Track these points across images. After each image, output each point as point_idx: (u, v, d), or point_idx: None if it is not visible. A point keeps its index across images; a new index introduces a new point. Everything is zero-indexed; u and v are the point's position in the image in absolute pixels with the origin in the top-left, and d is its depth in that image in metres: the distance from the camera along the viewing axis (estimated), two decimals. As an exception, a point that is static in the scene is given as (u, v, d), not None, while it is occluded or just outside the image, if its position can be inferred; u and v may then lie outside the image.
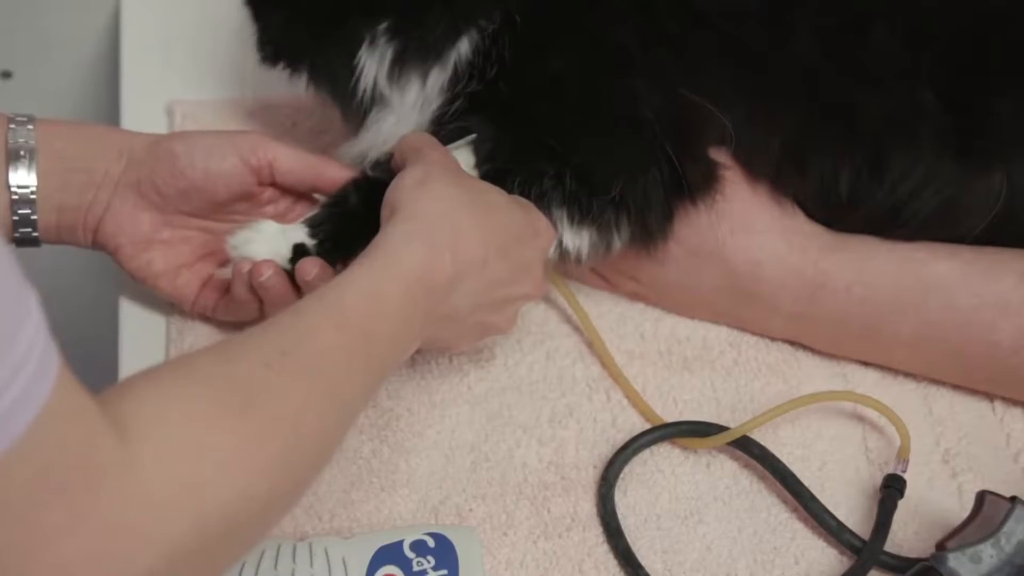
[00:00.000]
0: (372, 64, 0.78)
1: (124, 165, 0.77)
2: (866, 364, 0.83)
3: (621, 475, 0.77)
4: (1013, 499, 0.69)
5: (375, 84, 0.79)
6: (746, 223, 0.80)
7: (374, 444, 0.78)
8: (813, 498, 0.75)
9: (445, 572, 0.71)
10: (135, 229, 0.78)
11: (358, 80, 0.79)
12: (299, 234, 0.76)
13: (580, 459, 0.78)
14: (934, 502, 0.77)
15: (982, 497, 0.71)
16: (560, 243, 0.77)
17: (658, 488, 0.77)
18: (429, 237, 0.68)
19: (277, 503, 0.58)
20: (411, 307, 0.66)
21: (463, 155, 0.78)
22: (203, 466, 0.53)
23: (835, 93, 0.78)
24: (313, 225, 0.76)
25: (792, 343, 0.84)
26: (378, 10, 0.77)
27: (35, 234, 0.77)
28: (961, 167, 0.77)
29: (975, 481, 0.78)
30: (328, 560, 0.71)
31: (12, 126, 0.75)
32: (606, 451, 0.78)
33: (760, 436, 0.79)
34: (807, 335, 0.83)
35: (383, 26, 0.77)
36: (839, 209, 0.79)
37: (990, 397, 0.82)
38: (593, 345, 0.83)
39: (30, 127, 0.75)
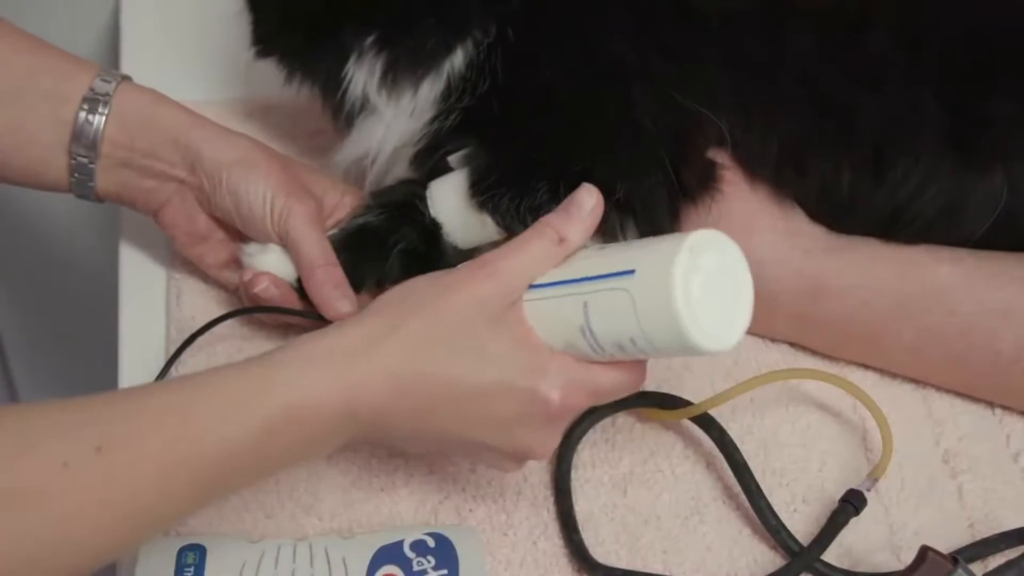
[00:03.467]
0: (360, 77, 0.78)
1: (188, 170, 0.78)
2: (866, 365, 0.83)
3: (623, 473, 0.77)
4: (955, 560, 0.66)
5: (363, 94, 0.79)
6: (747, 224, 0.80)
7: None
8: (759, 493, 0.75)
9: (445, 572, 0.71)
10: (191, 226, 0.81)
11: (345, 91, 0.79)
12: None
13: (580, 459, 0.78)
14: (934, 502, 0.77)
15: (924, 554, 0.68)
16: None
17: (658, 488, 0.77)
18: (340, 372, 0.62)
19: None
20: (287, 425, 0.60)
21: (458, 178, 0.78)
22: None
23: (834, 94, 0.77)
24: None
25: (792, 344, 0.84)
26: (366, 22, 0.78)
27: (92, 197, 0.80)
28: (962, 168, 0.77)
29: (975, 481, 0.78)
30: (328, 560, 0.71)
31: (91, 91, 0.77)
32: (606, 449, 0.79)
33: (760, 436, 0.79)
34: (808, 337, 0.83)
35: (370, 40, 0.78)
36: (840, 210, 0.79)
37: (990, 398, 0.83)
38: None
39: (107, 99, 0.76)
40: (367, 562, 0.71)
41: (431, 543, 0.72)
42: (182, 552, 0.71)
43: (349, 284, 0.77)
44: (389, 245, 0.79)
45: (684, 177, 0.77)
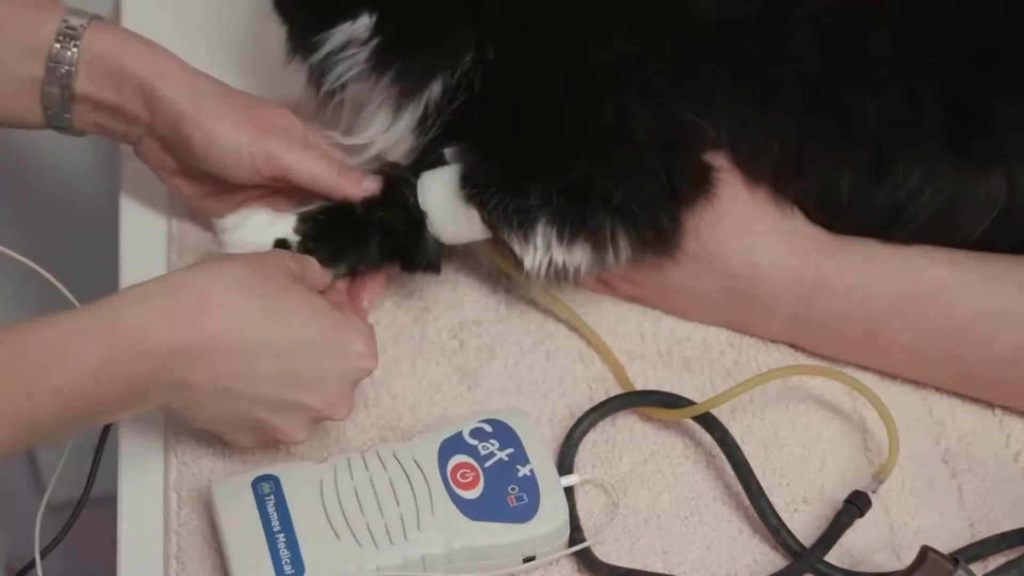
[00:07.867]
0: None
1: (151, 118, 0.80)
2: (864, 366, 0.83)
3: (623, 473, 0.78)
4: (955, 560, 0.66)
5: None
6: (745, 225, 0.80)
7: (374, 443, 0.78)
8: (760, 493, 0.75)
9: (512, 450, 0.74)
10: (163, 164, 0.83)
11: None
12: (286, 227, 0.78)
13: (580, 459, 0.78)
14: (934, 502, 0.77)
15: (924, 554, 0.67)
16: (551, 262, 0.77)
17: (658, 488, 0.77)
18: (167, 302, 0.66)
19: None
20: (111, 369, 0.64)
21: (450, 169, 0.78)
22: None
23: (834, 95, 0.78)
24: (302, 220, 0.79)
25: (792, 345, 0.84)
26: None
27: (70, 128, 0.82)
28: (960, 169, 0.77)
29: (975, 481, 0.78)
30: (399, 461, 0.73)
31: (59, 41, 0.78)
32: (606, 449, 0.79)
33: (761, 435, 0.79)
34: (806, 338, 0.83)
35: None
36: (839, 211, 0.79)
37: (990, 398, 0.83)
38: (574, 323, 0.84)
39: (76, 46, 0.78)
40: (436, 456, 0.73)
41: (488, 428, 0.75)
42: (256, 484, 0.73)
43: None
44: (373, 222, 0.79)
45: (677, 183, 0.77)
